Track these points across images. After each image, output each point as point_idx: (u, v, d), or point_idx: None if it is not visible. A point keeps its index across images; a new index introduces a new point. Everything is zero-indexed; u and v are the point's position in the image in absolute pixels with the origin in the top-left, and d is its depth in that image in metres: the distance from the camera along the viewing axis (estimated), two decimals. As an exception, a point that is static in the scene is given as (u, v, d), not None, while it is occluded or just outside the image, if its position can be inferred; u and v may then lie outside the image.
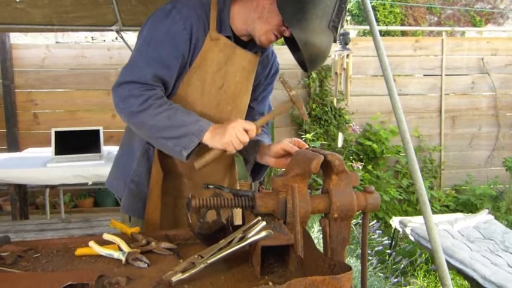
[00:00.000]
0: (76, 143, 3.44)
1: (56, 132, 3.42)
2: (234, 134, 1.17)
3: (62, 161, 3.26)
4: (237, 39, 1.35)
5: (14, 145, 4.57)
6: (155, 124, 1.19)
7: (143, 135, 1.29)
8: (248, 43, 1.37)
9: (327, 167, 1.09)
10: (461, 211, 4.78)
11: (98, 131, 3.50)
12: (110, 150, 3.73)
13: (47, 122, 4.61)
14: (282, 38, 1.32)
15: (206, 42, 1.28)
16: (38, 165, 3.18)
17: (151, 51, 1.23)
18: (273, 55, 1.53)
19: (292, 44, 1.29)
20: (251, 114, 1.52)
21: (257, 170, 1.45)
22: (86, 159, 3.31)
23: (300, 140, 1.33)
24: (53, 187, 3.67)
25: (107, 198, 4.76)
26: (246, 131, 1.19)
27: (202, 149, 1.22)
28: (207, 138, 1.19)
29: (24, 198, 3.73)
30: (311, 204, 1.06)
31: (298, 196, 1.00)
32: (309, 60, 1.23)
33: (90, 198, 4.82)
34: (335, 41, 1.25)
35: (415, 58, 5.28)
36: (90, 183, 3.12)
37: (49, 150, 3.45)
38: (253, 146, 1.35)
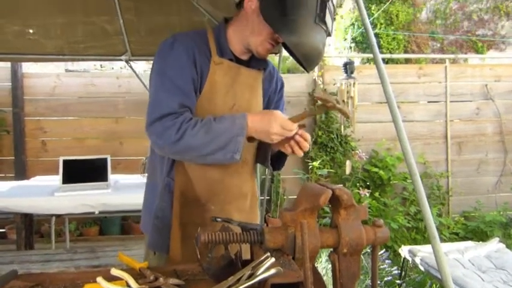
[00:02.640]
0: (83, 171, 3.45)
1: (64, 161, 3.44)
2: (280, 126, 1.22)
3: (69, 190, 3.27)
4: (238, 60, 1.40)
5: (21, 173, 4.60)
6: (197, 144, 1.22)
7: (191, 159, 1.31)
8: (250, 61, 1.42)
9: (335, 201, 1.09)
10: (471, 239, 4.70)
11: (105, 160, 3.52)
12: (117, 178, 3.75)
13: (55, 149, 4.66)
14: (281, 45, 1.37)
15: (211, 68, 1.33)
16: (45, 194, 3.19)
17: (168, 83, 1.27)
18: (275, 70, 1.57)
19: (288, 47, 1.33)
20: None
21: (275, 159, 1.51)
22: (93, 188, 3.32)
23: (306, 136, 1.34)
24: (59, 216, 3.67)
25: (113, 226, 4.74)
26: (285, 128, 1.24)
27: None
28: (251, 131, 1.24)
29: (30, 227, 3.72)
30: (320, 239, 1.05)
31: (308, 231, 0.99)
32: (303, 59, 1.26)
33: (95, 226, 4.80)
34: (329, 35, 1.27)
35: (419, 85, 5.32)
36: (96, 212, 3.12)
37: (56, 179, 3.46)
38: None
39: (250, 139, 1.29)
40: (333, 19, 1.29)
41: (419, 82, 5.32)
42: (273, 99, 1.56)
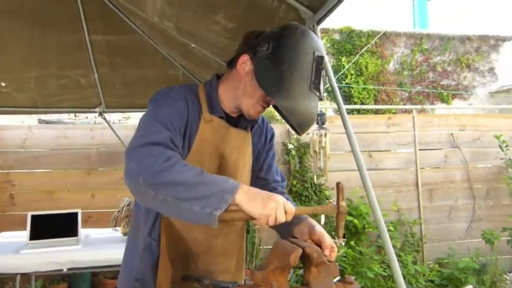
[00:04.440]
0: (53, 226, 3.32)
1: (32, 216, 3.31)
2: (275, 210, 1.08)
3: (37, 246, 3.13)
4: (228, 117, 1.38)
5: (-14, 228, 4.40)
6: (181, 181, 1.06)
7: (163, 201, 1.08)
8: (239, 119, 1.40)
9: (306, 259, 1.11)
10: (447, 286, 4.71)
11: (75, 214, 3.40)
12: (88, 233, 3.63)
13: (24, 203, 4.50)
14: (272, 107, 1.36)
15: (201, 125, 1.30)
16: (10, 251, 3.04)
17: (162, 116, 1.21)
18: (264, 122, 1.54)
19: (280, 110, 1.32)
20: (265, 186, 1.49)
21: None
22: (62, 244, 3.19)
23: (333, 246, 1.22)
24: (24, 274, 3.49)
25: (82, 282, 4.53)
26: (285, 212, 1.10)
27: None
28: (242, 199, 1.07)
29: (-7, 287, 3.52)
30: (291, 298, 1.05)
31: (278, 291, 1.00)
32: (297, 125, 1.23)
33: (64, 283, 4.57)
34: (321, 99, 1.26)
35: (389, 134, 5.49)
36: (65, 269, 2.99)
37: (24, 234, 3.32)
38: (288, 225, 1.27)
39: (234, 214, 1.12)
40: (325, 83, 1.28)
41: (389, 131, 5.49)
42: (262, 152, 1.53)
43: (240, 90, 1.31)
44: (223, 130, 1.35)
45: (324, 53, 1.26)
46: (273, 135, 1.56)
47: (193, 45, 2.43)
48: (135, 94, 3.54)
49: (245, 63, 1.30)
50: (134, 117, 6.09)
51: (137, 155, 1.10)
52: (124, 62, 3.12)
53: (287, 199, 1.37)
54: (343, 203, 1.20)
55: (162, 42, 2.87)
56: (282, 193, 1.49)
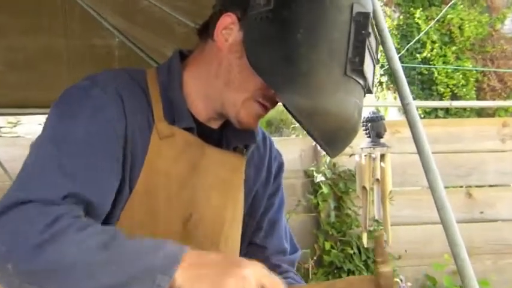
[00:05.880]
0: None
1: None
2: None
3: None
4: (203, 129, 1.01)
5: None
6: (79, 261, 0.77)
7: None
8: (224, 132, 1.05)
9: None
10: None
11: None
12: None
13: None
14: (282, 106, 0.98)
15: (152, 143, 0.94)
16: None
17: (63, 153, 0.88)
18: (268, 141, 1.17)
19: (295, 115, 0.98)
20: (263, 259, 0.97)
21: None
22: None
23: None
24: None
25: None
26: None
27: None
28: (186, 279, 0.77)
29: None
30: None
31: None
32: (324, 139, 0.88)
33: None
34: (369, 92, 0.93)
35: (506, 155, 3.75)
36: None
37: None
38: None
39: None
40: (376, 61, 0.94)
41: (506, 150, 3.74)
42: (261, 197, 1.13)
43: (220, 79, 0.95)
44: (193, 152, 0.99)
45: (372, 7, 0.92)
46: (281, 166, 1.17)
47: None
48: (31, 83, 2.75)
49: (229, 30, 0.94)
50: (28, 123, 4.69)
51: (6, 222, 0.82)
52: (11, 22, 2.31)
53: (293, 281, 1.11)
54: (384, 269, 0.83)
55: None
56: (288, 273, 1.14)
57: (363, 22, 0.85)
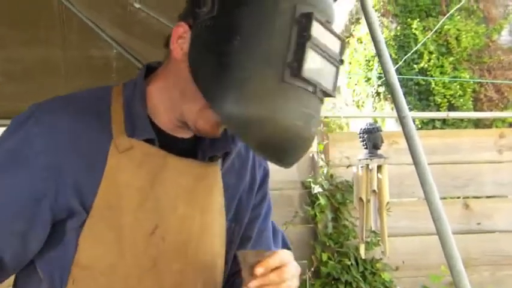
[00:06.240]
0: None
1: None
2: None
3: None
4: (169, 140, 0.98)
5: None
6: None
7: None
8: (199, 142, 1.02)
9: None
10: None
11: None
12: None
13: None
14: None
15: (111, 157, 0.92)
16: None
17: None
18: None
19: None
20: None
21: None
22: None
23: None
24: None
25: None
26: None
27: None
28: None
29: None
30: None
31: None
32: (262, 149, 0.85)
33: None
34: (329, 95, 0.87)
35: (503, 166, 3.71)
36: None
37: None
38: None
39: None
40: (338, 64, 0.87)
41: (503, 161, 3.70)
42: (245, 205, 1.09)
43: (177, 89, 0.94)
44: (154, 163, 0.97)
45: (325, 2, 0.84)
46: (266, 173, 1.15)
47: (137, 5, 1.94)
48: (29, 94, 2.50)
49: (183, 39, 0.92)
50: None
51: None
52: (9, 34, 2.36)
53: None
54: None
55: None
56: None
57: (304, 23, 0.80)
